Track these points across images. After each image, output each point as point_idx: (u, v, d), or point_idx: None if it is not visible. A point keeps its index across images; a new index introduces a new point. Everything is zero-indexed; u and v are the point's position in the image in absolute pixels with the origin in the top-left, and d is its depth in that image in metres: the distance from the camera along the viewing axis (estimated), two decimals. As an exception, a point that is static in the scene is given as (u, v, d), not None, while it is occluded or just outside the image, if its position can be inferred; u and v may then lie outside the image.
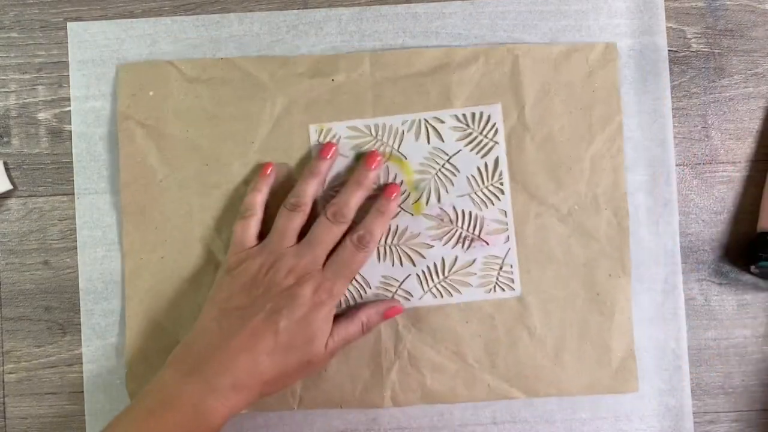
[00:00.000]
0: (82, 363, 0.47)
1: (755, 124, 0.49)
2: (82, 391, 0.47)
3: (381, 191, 0.46)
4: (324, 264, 0.44)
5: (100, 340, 0.47)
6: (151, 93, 0.47)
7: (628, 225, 0.47)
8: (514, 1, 0.48)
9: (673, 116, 0.48)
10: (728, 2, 0.49)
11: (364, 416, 0.47)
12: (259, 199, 0.46)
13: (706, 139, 0.48)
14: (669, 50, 0.48)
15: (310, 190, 0.45)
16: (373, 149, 0.47)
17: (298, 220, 0.45)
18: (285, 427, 0.47)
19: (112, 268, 0.47)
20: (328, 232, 0.44)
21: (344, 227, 0.44)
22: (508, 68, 0.48)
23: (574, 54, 0.48)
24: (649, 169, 0.48)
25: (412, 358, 0.47)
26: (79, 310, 0.47)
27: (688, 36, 0.49)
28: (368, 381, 0.47)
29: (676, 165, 0.48)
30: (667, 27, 0.48)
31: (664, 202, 0.48)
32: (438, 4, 0.48)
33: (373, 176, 0.46)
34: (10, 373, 0.47)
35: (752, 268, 0.46)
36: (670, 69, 0.48)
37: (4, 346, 0.48)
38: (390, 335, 0.47)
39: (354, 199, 0.45)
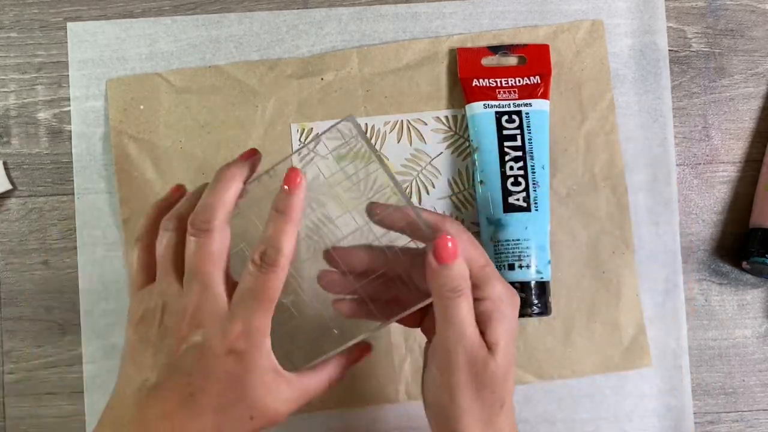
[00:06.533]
0: (82, 363, 0.47)
1: (755, 124, 0.49)
2: (82, 391, 0.47)
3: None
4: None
5: (100, 340, 0.47)
6: (141, 107, 0.47)
7: (628, 201, 0.47)
8: (514, 1, 0.48)
9: (674, 116, 0.48)
10: (729, 2, 0.49)
11: (364, 416, 0.47)
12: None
13: (706, 139, 0.48)
14: (669, 50, 0.48)
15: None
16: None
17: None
18: (284, 427, 0.47)
19: (113, 268, 0.47)
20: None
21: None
22: None
23: (560, 34, 0.48)
24: (649, 168, 0.48)
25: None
26: (79, 310, 0.47)
27: (689, 36, 0.49)
28: (382, 377, 0.47)
29: (677, 165, 0.48)
30: (667, 27, 0.48)
31: (664, 202, 0.48)
32: (438, 4, 0.48)
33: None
34: (9, 373, 0.47)
35: (744, 263, 0.47)
36: (671, 69, 0.48)
37: (3, 346, 0.47)
38: (400, 330, 0.47)
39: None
